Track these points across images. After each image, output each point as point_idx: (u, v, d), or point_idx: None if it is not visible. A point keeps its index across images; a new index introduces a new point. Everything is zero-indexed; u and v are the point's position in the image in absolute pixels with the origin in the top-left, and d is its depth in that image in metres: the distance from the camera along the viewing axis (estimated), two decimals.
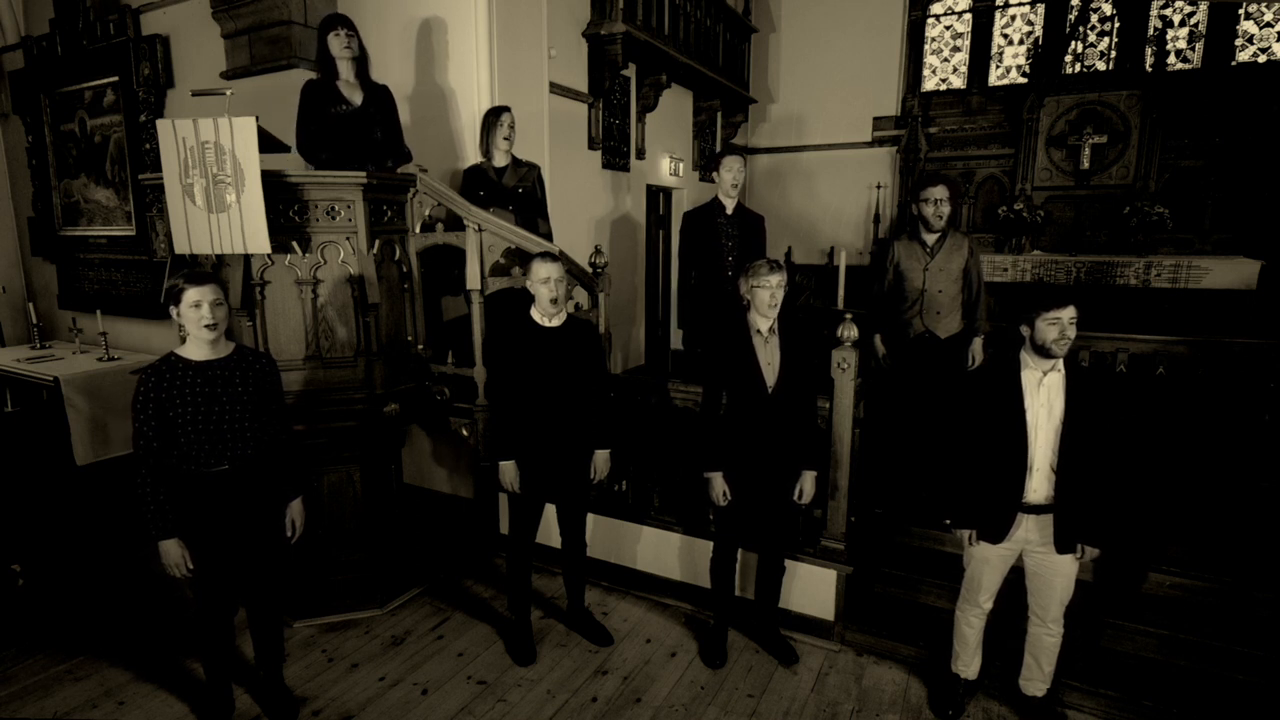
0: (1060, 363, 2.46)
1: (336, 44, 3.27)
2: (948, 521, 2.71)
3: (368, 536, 3.39)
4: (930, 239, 3.73)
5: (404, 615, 3.45)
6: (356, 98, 3.33)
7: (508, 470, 2.93)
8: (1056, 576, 2.54)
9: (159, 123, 2.72)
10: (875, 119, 7.76)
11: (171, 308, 2.34)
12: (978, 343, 3.76)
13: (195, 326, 2.32)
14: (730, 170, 3.89)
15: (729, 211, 3.97)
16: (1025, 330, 2.48)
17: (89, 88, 5.15)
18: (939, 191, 3.62)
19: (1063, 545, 2.48)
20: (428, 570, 3.77)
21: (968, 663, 2.79)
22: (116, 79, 4.94)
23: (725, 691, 2.91)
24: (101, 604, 3.44)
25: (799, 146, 8.14)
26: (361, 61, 3.35)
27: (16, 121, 5.71)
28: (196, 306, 2.30)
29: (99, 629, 3.23)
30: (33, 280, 6.05)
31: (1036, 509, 2.49)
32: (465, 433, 3.42)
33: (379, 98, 3.41)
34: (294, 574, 3.24)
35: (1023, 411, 2.46)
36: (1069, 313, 2.39)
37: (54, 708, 2.75)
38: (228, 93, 2.76)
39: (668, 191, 6.87)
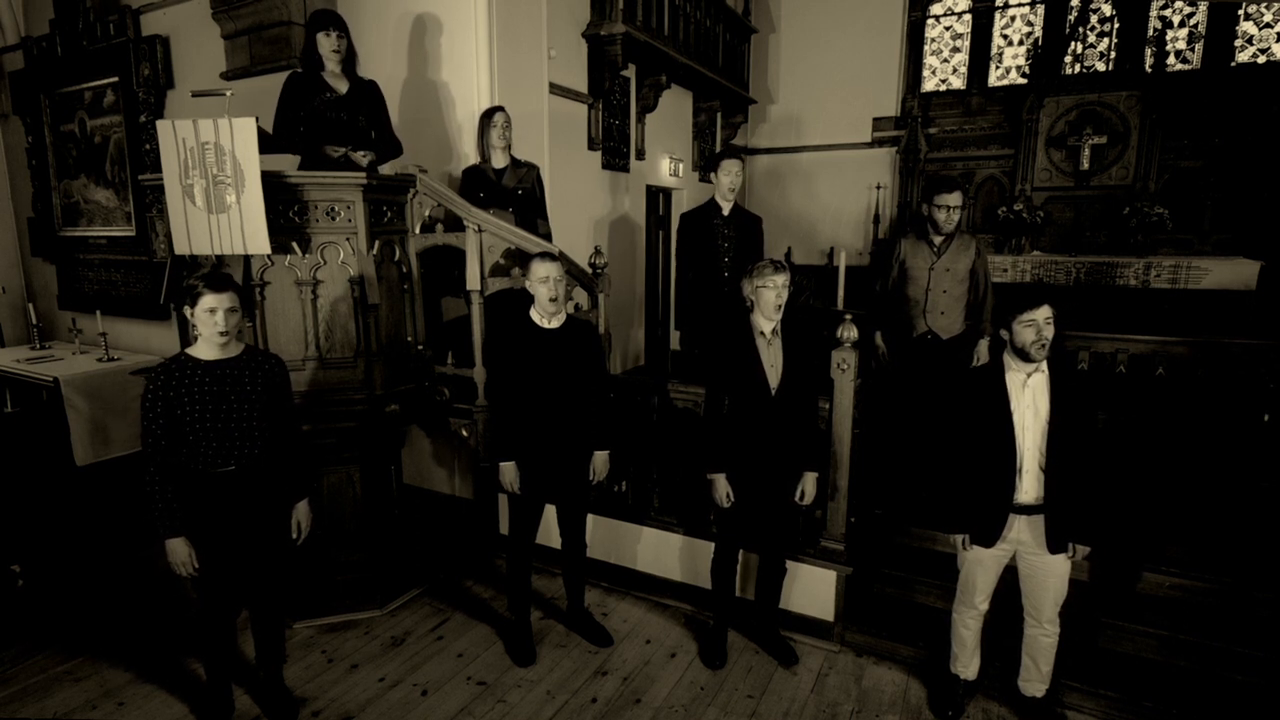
0: (1044, 364, 2.47)
1: (326, 44, 3.26)
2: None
3: (368, 537, 3.39)
4: (938, 240, 3.73)
5: (404, 616, 3.45)
6: (342, 86, 3.33)
7: (508, 471, 2.93)
8: (1050, 577, 2.55)
9: (159, 123, 2.72)
10: (875, 119, 7.76)
11: (186, 308, 2.35)
12: (983, 344, 3.75)
13: (209, 330, 2.33)
14: (729, 173, 3.89)
15: (725, 213, 3.98)
16: (1004, 334, 2.49)
17: (89, 88, 5.15)
18: (954, 199, 3.61)
19: (1055, 545, 2.49)
20: (428, 571, 3.77)
21: (966, 663, 2.79)
22: (116, 79, 4.94)
23: (725, 692, 2.91)
24: (101, 605, 3.44)
25: (799, 147, 8.14)
26: (349, 61, 3.35)
27: (16, 122, 5.71)
28: (212, 312, 2.31)
29: (99, 630, 3.23)
30: (32, 281, 6.05)
31: (1028, 509, 2.50)
32: (465, 433, 3.42)
33: (366, 90, 3.40)
34: (295, 575, 3.24)
35: (1009, 414, 2.47)
36: (1043, 313, 2.40)
37: (54, 708, 2.75)
38: (228, 93, 2.75)
39: (667, 192, 6.88)
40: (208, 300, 2.30)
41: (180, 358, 2.38)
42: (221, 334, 2.33)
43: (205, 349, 2.39)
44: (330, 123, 3.25)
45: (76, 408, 4.50)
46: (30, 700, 2.79)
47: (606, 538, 3.68)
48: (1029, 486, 2.49)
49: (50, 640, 3.15)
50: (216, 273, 2.48)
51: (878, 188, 7.73)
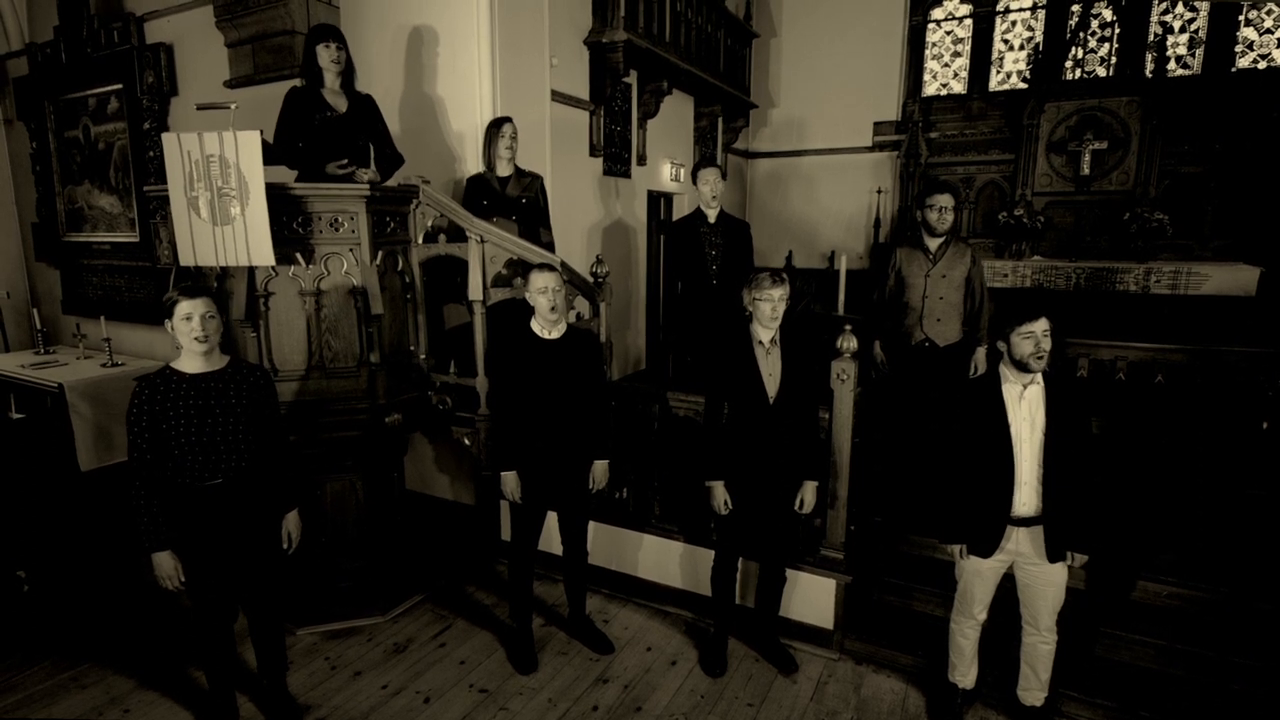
0: (1040, 375, 2.49)
1: (325, 56, 3.27)
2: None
3: (370, 544, 3.42)
4: (933, 245, 3.74)
5: (406, 622, 3.47)
6: (341, 104, 3.34)
7: (509, 480, 2.95)
8: (1048, 586, 2.57)
9: (164, 136, 2.74)
10: (876, 124, 7.79)
11: (166, 321, 2.36)
12: (980, 353, 3.78)
13: (187, 339, 2.34)
14: (707, 183, 3.96)
15: (711, 220, 4.01)
16: (1002, 345, 2.51)
17: (93, 95, 5.18)
18: (944, 199, 3.63)
19: (1053, 555, 2.51)
20: (430, 577, 3.80)
21: (964, 672, 2.81)
22: (120, 86, 4.97)
23: (725, 701, 2.93)
24: (106, 610, 3.47)
25: (800, 151, 8.17)
26: (348, 73, 3.36)
27: (21, 128, 5.74)
28: (188, 319, 2.32)
29: (104, 636, 3.26)
30: (36, 285, 6.08)
31: (1025, 521, 2.52)
32: (467, 442, 3.44)
33: (364, 106, 3.41)
34: (296, 582, 3.26)
35: (1006, 426, 2.49)
36: (1041, 325, 2.41)
37: (60, 715, 2.77)
38: (232, 106, 2.77)
39: (669, 197, 6.89)
40: (183, 307, 2.31)
41: (164, 371, 2.39)
42: (199, 340, 2.33)
43: (189, 362, 2.40)
44: (331, 142, 3.26)
45: (81, 413, 4.52)
46: (37, 706, 2.82)
47: (608, 544, 3.70)
48: (1026, 498, 2.51)
49: (55, 646, 3.18)
50: (190, 283, 2.46)
51: (878, 192, 7.76)
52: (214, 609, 2.56)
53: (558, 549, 3.27)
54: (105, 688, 2.93)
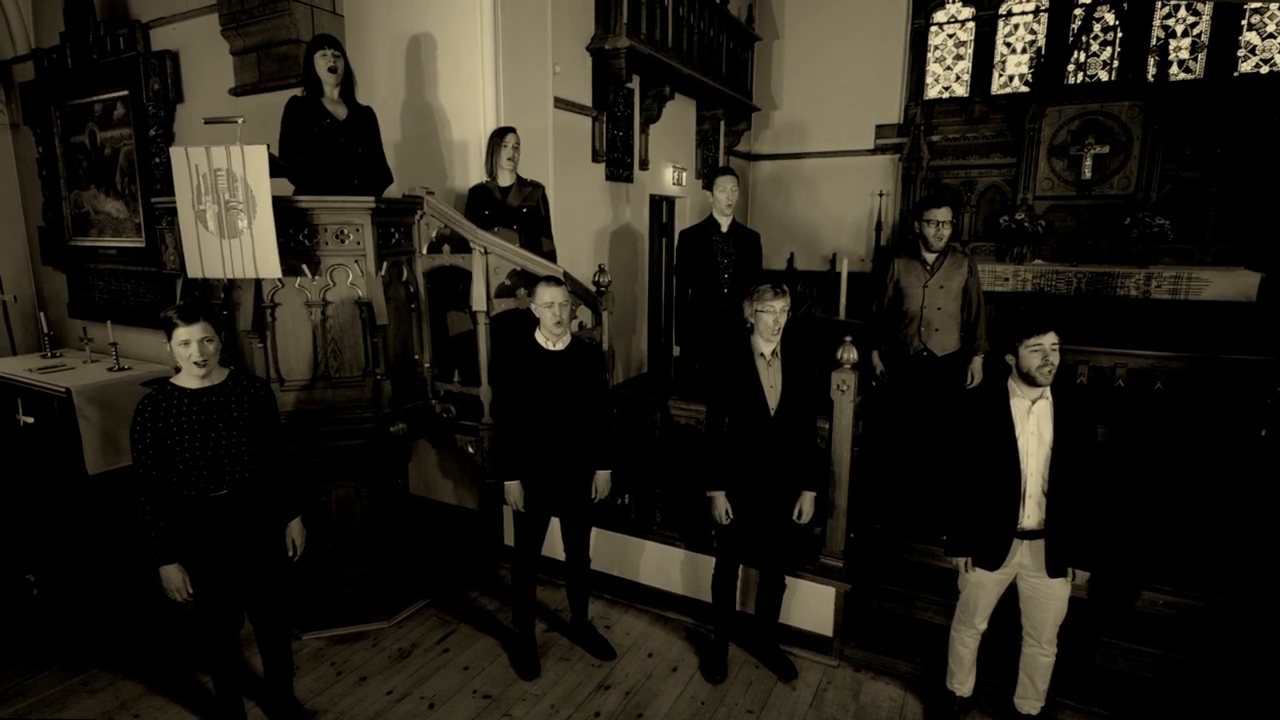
0: (1048, 390, 2.50)
1: (323, 64, 3.28)
2: (943, 537, 2.76)
3: (375, 550, 3.46)
4: (930, 257, 3.76)
5: (411, 627, 3.51)
6: (341, 113, 3.36)
7: (513, 489, 2.99)
8: (1051, 600, 2.59)
9: (172, 150, 2.77)
10: (878, 126, 7.80)
11: (165, 340, 2.39)
12: (977, 362, 3.79)
13: (185, 363, 2.37)
14: (724, 190, 3.97)
15: (724, 229, 4.04)
16: (1010, 359, 2.52)
17: (99, 101, 5.22)
18: (942, 214, 3.64)
19: (1054, 569, 2.53)
20: (434, 581, 3.84)
21: (963, 681, 2.84)
22: (126, 93, 5.01)
23: (725, 707, 2.97)
24: (114, 614, 3.51)
25: (802, 153, 8.18)
26: (347, 82, 3.37)
27: (27, 132, 5.78)
28: (185, 344, 2.34)
29: (112, 640, 3.30)
30: (43, 289, 6.13)
31: (1030, 534, 2.54)
32: (471, 450, 3.48)
33: (363, 117, 3.43)
34: (301, 588, 3.31)
35: (1014, 440, 2.50)
36: (1050, 339, 2.42)
37: (72, 719, 2.81)
38: (239, 121, 2.81)
39: (670, 200, 6.91)
40: (180, 333, 2.33)
41: (166, 387, 2.42)
42: (198, 364, 2.36)
43: (189, 378, 2.42)
44: (331, 150, 3.28)
45: (88, 417, 4.56)
46: (49, 710, 2.86)
47: (610, 550, 3.74)
48: (1032, 512, 2.53)
49: (64, 650, 3.22)
50: (187, 304, 2.47)
51: (880, 195, 7.77)
52: (220, 616, 2.60)
53: (560, 554, 3.31)
54: (115, 692, 2.98)
